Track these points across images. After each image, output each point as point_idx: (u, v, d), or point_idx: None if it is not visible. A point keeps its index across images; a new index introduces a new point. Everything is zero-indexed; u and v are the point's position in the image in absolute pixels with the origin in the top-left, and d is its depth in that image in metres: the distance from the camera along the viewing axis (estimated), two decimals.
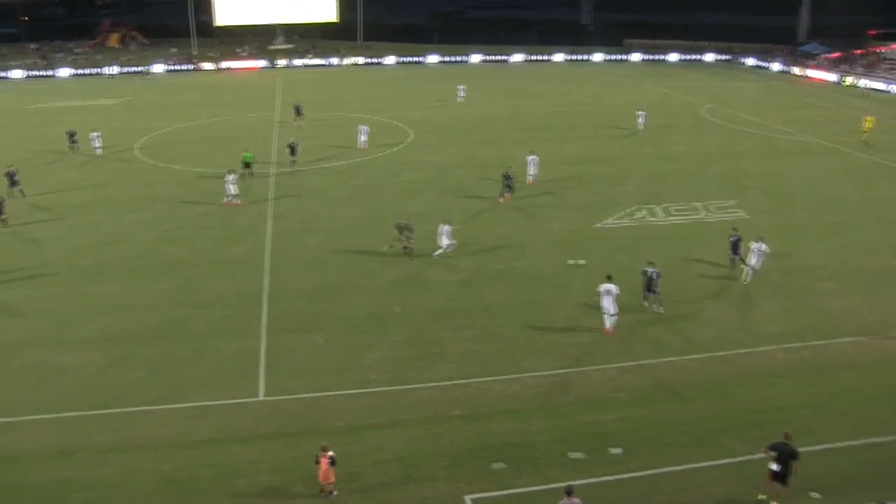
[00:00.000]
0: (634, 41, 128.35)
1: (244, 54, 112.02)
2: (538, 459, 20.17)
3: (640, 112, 61.35)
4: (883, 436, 21.28)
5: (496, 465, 19.89)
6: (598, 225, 38.27)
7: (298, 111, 63.14)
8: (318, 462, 18.33)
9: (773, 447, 18.36)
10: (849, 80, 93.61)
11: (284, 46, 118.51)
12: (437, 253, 33.71)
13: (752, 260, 31.14)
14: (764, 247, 31.18)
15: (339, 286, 31.06)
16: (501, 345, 26.33)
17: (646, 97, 78.54)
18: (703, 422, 22.02)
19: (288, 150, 48.68)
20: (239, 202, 41.21)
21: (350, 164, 49.81)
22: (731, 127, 63.51)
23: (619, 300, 26.86)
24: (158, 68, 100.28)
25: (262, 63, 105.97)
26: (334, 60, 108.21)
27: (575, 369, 24.72)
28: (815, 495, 18.81)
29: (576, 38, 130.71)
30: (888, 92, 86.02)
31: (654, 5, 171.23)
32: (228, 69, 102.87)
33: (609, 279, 27.05)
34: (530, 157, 45.02)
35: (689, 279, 31.81)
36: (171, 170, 48.81)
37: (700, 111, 70.50)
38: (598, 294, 26.96)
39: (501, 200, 41.73)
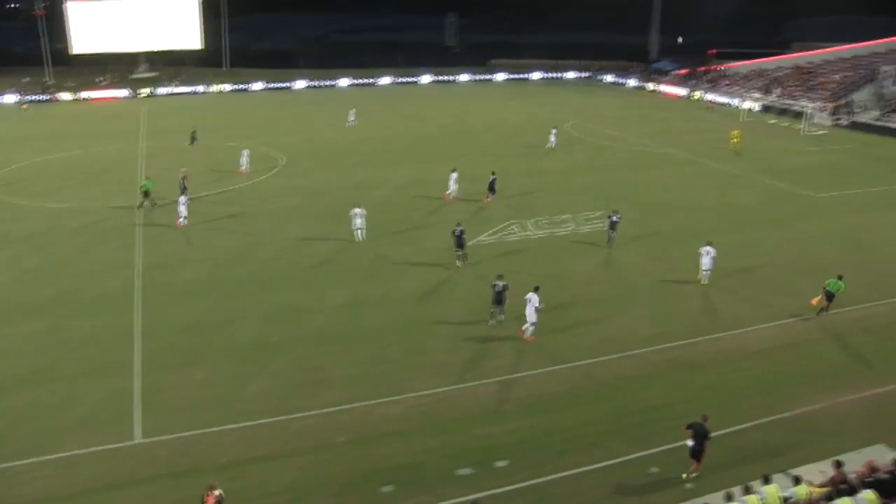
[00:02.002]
0: (499, 61, 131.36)
1: (105, 83, 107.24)
2: (427, 479, 20.05)
3: (553, 129, 63.95)
4: (744, 423, 22.63)
5: (385, 489, 19.65)
6: (473, 242, 38.67)
7: (193, 137, 63.70)
8: (203, 502, 17.52)
9: (689, 426, 19.79)
10: (696, 94, 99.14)
11: (148, 75, 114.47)
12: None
13: (705, 263, 33.20)
14: (712, 250, 33.10)
15: (217, 318, 30.06)
16: (385, 367, 26.12)
17: (513, 115, 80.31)
18: (586, 427, 22.52)
19: (182, 184, 45.74)
20: (185, 224, 41.14)
21: (223, 193, 48.47)
22: (596, 141, 65.77)
23: (538, 311, 27.83)
24: (9, 98, 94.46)
25: (124, 92, 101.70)
26: (200, 88, 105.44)
27: (460, 385, 24.79)
28: (689, 486, 19.67)
29: (442, 60, 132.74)
30: (729, 105, 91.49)
31: (517, 26, 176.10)
32: (88, 99, 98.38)
33: (536, 290, 27.91)
34: (453, 175, 46.67)
35: (563, 290, 32.53)
36: (32, 206, 45.88)
37: (566, 127, 72.63)
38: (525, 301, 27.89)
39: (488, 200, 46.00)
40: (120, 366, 26.24)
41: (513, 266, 34.44)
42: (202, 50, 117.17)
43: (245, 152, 54.55)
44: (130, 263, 36.04)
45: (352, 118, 75.10)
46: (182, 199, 41.89)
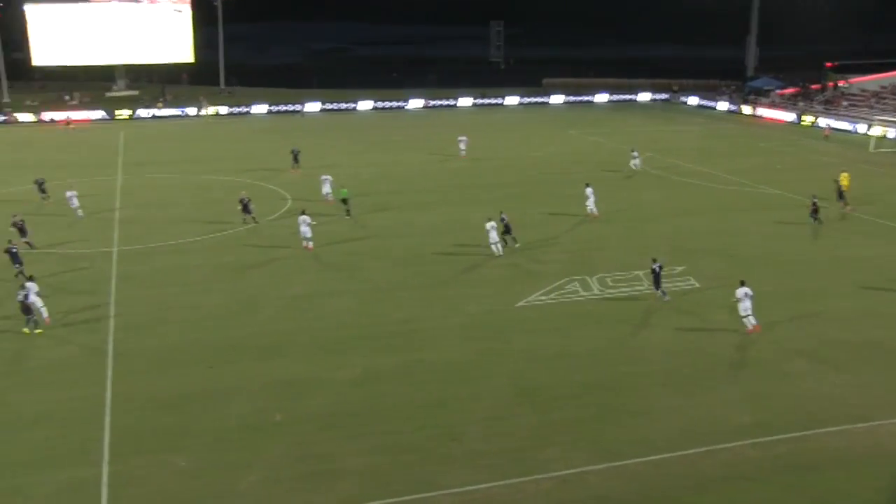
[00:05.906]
0: (555, 80, 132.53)
1: (74, 103, 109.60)
2: None
3: (634, 153, 68.81)
4: None
5: None
6: (522, 303, 38.61)
7: (296, 158, 69.83)
8: None
9: None
10: (808, 119, 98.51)
11: (127, 93, 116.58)
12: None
13: None
14: None
15: (204, 392, 30.22)
16: (408, 457, 25.96)
17: (573, 146, 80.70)
18: None
19: (240, 207, 51.69)
20: (310, 245, 46.86)
21: (216, 238, 49.24)
22: (675, 179, 65.71)
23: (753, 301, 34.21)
24: None
25: (97, 114, 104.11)
26: (191, 110, 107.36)
27: (501, 482, 24.50)
28: None
29: (485, 79, 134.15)
30: (852, 132, 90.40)
31: (577, 38, 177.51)
32: (53, 121, 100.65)
33: (743, 283, 34.45)
34: (588, 189, 53.90)
35: (635, 363, 32.29)
36: None
37: (637, 161, 72.70)
38: (737, 299, 34.56)
39: None
40: (81, 450, 26.34)
41: (572, 335, 34.41)
42: (193, 64, 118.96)
43: (327, 178, 59.50)
44: (99, 322, 36.42)
45: (462, 147, 77.71)
46: (304, 217, 47.03)
